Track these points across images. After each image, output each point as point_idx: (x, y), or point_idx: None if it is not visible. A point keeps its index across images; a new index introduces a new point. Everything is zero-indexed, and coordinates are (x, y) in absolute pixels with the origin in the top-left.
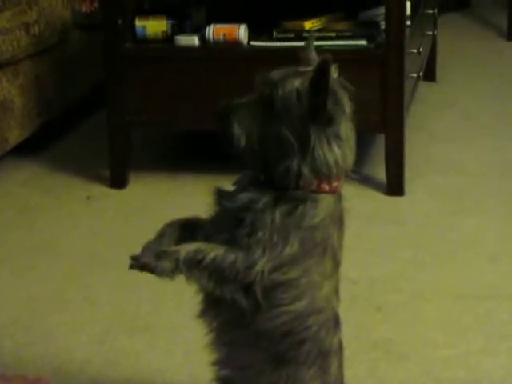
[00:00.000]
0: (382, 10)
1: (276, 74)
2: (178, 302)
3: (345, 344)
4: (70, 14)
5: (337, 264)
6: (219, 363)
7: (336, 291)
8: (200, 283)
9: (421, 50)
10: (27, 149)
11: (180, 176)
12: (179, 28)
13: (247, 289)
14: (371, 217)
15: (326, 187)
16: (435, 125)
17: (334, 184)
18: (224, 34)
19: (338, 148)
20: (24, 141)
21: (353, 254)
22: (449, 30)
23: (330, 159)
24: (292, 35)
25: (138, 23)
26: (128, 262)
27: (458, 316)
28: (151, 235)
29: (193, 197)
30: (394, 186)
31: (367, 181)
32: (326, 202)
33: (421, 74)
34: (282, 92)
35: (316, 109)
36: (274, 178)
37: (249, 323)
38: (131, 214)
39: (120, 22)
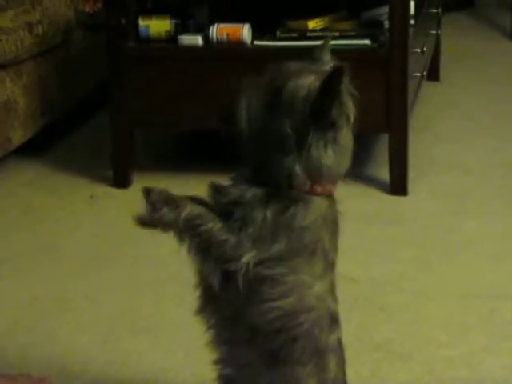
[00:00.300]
0: (385, 9)
1: (292, 65)
2: (180, 302)
3: (347, 344)
4: (73, 13)
5: (330, 265)
6: (220, 362)
7: (331, 291)
8: (188, 247)
9: (424, 49)
10: (30, 149)
11: (183, 176)
12: (182, 28)
13: (230, 277)
14: (374, 217)
15: (318, 189)
16: (439, 125)
17: (328, 187)
18: (227, 34)
19: (334, 153)
20: (27, 141)
21: (355, 254)
22: (453, 30)
23: (323, 162)
24: (295, 35)
25: (142, 23)
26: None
27: (461, 316)
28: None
29: None
30: (398, 186)
31: (371, 181)
32: (317, 204)
33: (424, 73)
34: (293, 85)
35: (321, 111)
36: (267, 174)
37: (241, 318)
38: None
39: (123, 21)
